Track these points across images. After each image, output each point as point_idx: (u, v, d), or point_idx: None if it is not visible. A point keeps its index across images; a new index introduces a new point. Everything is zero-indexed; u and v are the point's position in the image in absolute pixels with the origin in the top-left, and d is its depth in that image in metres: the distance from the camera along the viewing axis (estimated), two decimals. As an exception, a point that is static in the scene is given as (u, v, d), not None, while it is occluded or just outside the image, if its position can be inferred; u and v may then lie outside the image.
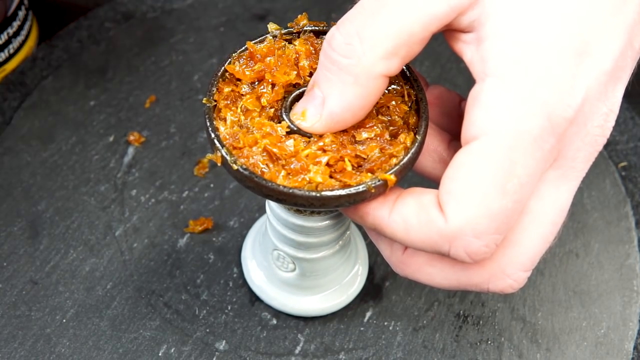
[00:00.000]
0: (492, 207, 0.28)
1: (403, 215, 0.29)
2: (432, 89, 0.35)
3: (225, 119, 0.32)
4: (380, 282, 0.44)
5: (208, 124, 0.31)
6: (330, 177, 0.30)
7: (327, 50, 0.30)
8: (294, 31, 0.34)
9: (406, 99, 0.33)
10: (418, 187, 0.30)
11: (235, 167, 0.30)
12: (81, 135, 0.50)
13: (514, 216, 0.28)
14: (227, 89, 0.33)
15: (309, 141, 0.31)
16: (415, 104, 0.33)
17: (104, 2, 0.58)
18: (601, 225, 0.47)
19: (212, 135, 0.31)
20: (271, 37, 0.34)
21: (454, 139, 0.34)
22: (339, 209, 0.34)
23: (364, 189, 0.29)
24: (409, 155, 0.30)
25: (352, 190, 0.29)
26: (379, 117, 0.32)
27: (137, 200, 0.47)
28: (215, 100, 0.32)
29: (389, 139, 0.31)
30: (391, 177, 0.30)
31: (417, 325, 0.43)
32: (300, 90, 0.32)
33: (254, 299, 0.43)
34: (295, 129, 0.31)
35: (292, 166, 0.30)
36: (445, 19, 0.29)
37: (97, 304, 0.43)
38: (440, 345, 0.42)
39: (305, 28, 0.34)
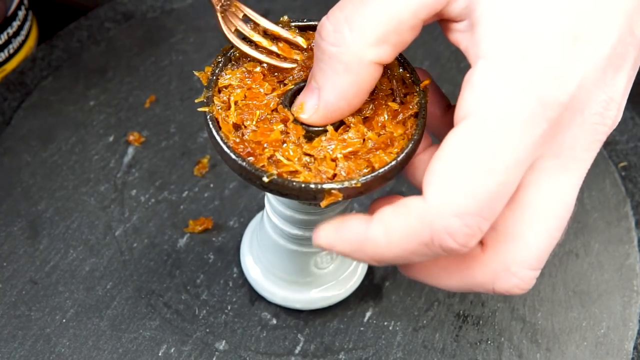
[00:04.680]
0: (474, 186, 0.27)
1: (380, 219, 0.29)
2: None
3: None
4: (380, 282, 0.44)
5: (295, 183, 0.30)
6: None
7: (318, 40, 0.30)
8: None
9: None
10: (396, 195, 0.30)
11: (352, 183, 0.29)
12: (81, 135, 0.50)
13: (498, 200, 0.28)
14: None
15: (343, 127, 0.31)
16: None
17: (104, 2, 0.58)
18: (601, 225, 0.47)
19: (323, 188, 0.29)
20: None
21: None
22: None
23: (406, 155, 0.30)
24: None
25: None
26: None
27: (137, 200, 0.47)
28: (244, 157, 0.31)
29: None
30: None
31: (417, 325, 0.43)
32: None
33: (254, 298, 0.43)
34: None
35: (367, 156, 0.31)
36: (435, 7, 0.29)
37: (97, 304, 0.43)
38: (440, 345, 0.42)
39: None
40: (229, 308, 0.43)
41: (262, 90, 0.32)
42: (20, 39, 0.54)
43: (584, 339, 0.43)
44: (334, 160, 0.30)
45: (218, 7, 0.33)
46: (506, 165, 0.27)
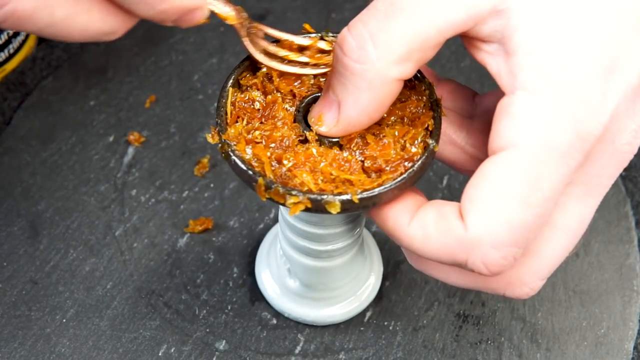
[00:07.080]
0: (514, 219, 0.28)
1: (422, 223, 0.29)
2: (444, 84, 0.35)
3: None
4: (380, 282, 0.44)
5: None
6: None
7: (339, 55, 0.29)
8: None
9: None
10: (440, 200, 0.30)
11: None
12: (81, 135, 0.50)
13: (534, 230, 0.28)
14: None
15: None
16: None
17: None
18: (601, 225, 0.47)
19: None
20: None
21: (465, 118, 0.34)
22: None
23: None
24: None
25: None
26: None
27: (137, 200, 0.47)
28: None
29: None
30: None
31: (417, 325, 0.43)
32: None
33: (254, 298, 0.43)
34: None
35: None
36: (462, 27, 0.29)
37: (97, 303, 0.43)
38: (440, 345, 0.42)
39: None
40: (229, 308, 0.43)
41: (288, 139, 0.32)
42: (20, 39, 0.54)
43: (584, 338, 0.43)
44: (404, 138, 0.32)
45: (243, 33, 0.33)
46: (545, 198, 0.28)
